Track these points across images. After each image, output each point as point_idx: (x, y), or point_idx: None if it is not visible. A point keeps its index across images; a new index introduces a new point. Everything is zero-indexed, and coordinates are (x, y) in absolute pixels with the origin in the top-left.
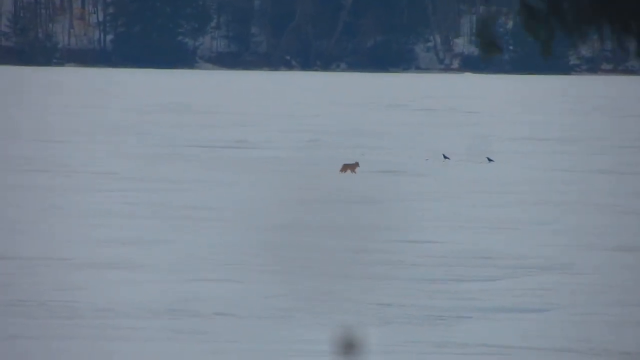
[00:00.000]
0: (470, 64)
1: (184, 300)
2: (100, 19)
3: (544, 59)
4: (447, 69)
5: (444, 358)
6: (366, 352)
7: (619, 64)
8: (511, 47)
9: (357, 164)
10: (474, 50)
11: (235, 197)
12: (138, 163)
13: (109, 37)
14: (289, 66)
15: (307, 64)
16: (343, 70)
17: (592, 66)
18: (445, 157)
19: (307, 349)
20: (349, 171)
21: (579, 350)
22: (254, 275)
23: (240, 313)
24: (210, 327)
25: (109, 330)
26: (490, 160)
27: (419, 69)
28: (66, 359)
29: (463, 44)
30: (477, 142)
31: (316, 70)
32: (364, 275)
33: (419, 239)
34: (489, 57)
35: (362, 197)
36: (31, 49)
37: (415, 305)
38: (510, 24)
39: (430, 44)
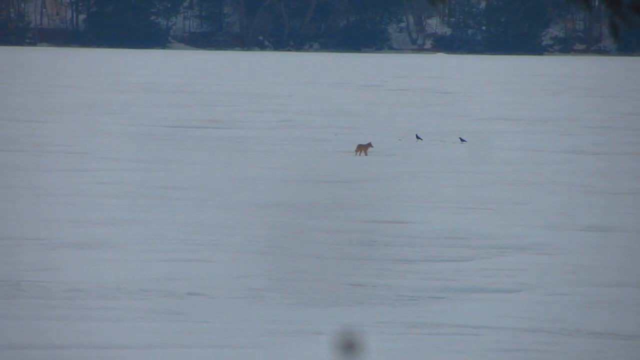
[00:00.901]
0: (443, 44)
1: (156, 280)
2: None
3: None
4: (420, 49)
5: (417, 338)
6: (366, 353)
7: (592, 44)
8: (484, 28)
9: (370, 145)
10: (446, 30)
11: (208, 176)
12: (111, 143)
13: (82, 16)
14: (262, 46)
15: (280, 44)
16: (316, 50)
17: (564, 46)
18: (418, 137)
19: (280, 329)
20: (362, 152)
21: (550, 331)
22: (227, 255)
23: (213, 293)
24: (183, 307)
25: (82, 310)
26: (462, 140)
27: (392, 49)
28: (39, 338)
29: (436, 25)
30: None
31: (289, 50)
32: (337, 255)
33: (392, 219)
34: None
35: (335, 177)
36: (3, 28)
37: (387, 286)
38: (483, 4)
39: (403, 24)
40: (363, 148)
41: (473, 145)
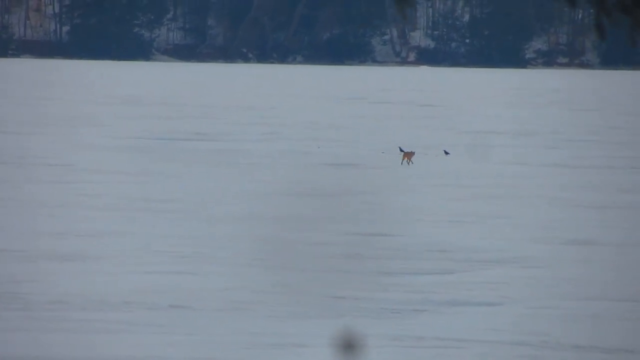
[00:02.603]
0: (426, 57)
1: (140, 292)
2: (57, 10)
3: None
4: (404, 62)
5: (399, 351)
6: (365, 353)
7: (575, 58)
8: (467, 41)
9: (412, 153)
10: (430, 43)
11: (192, 189)
12: (94, 155)
13: (65, 28)
14: (245, 59)
15: (263, 57)
16: (300, 63)
17: (547, 60)
18: (401, 150)
19: (263, 342)
20: (408, 161)
21: (532, 344)
22: (210, 267)
23: (196, 305)
24: (166, 320)
25: (65, 322)
26: (446, 153)
27: (375, 61)
28: (21, 350)
29: (419, 37)
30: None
31: (273, 62)
32: (320, 268)
33: (374, 232)
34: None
35: (319, 190)
36: None
37: (370, 299)
38: (467, 17)
39: (386, 37)
40: (408, 156)
41: (457, 159)
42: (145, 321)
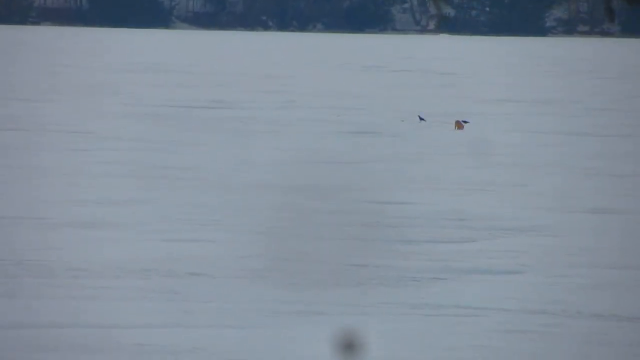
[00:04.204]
0: (446, 26)
1: (157, 260)
2: None
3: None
4: (424, 30)
5: (418, 319)
6: (365, 353)
7: (595, 26)
8: (487, 9)
9: (463, 124)
10: (450, 11)
11: (211, 157)
12: (114, 122)
13: None
14: (265, 26)
15: (283, 25)
16: (319, 30)
17: (568, 28)
18: (421, 118)
19: (281, 309)
20: (458, 128)
21: (552, 312)
22: (229, 235)
23: (214, 273)
24: (184, 287)
25: (83, 290)
26: (465, 122)
27: (395, 30)
28: (40, 317)
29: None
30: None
31: (292, 30)
32: (339, 236)
33: (394, 200)
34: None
35: (337, 158)
36: (6, 7)
37: (389, 267)
38: None
39: (406, 5)
40: (459, 125)
41: (476, 127)
42: (164, 288)
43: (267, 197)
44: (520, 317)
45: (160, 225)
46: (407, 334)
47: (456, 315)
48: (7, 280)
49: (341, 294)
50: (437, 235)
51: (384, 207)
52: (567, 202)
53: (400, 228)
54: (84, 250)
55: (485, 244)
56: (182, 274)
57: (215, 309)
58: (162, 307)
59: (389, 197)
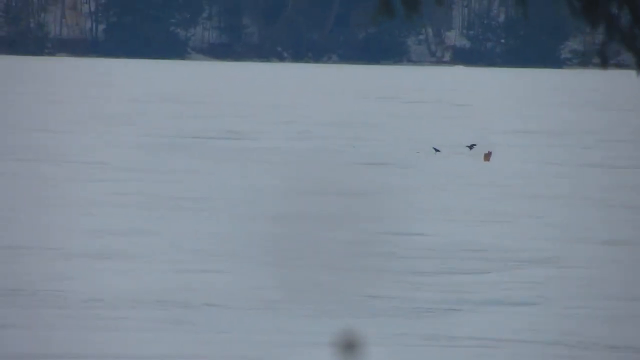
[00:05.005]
0: (461, 57)
1: (173, 290)
2: (92, 8)
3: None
4: (439, 61)
5: (432, 350)
6: (365, 353)
7: (611, 58)
8: (503, 41)
9: (490, 153)
10: (465, 43)
11: (225, 187)
12: (129, 153)
13: (101, 27)
14: (280, 57)
15: (298, 56)
16: (334, 62)
17: (583, 60)
18: (435, 149)
19: (296, 340)
20: (486, 159)
21: (568, 344)
22: (244, 266)
23: (230, 304)
24: (199, 318)
25: (98, 320)
26: (473, 145)
27: (410, 61)
28: (55, 348)
29: (455, 37)
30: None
31: (307, 61)
32: (353, 267)
33: (408, 231)
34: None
35: (353, 189)
36: (23, 38)
37: (404, 298)
38: (502, 17)
39: (422, 37)
40: (486, 157)
41: (492, 158)
42: (179, 319)
43: (281, 228)
44: (536, 348)
45: (175, 255)
46: None
47: (471, 347)
48: (22, 310)
49: (355, 325)
50: (452, 266)
51: (399, 238)
52: (582, 233)
53: (415, 259)
54: (98, 281)
55: (500, 275)
56: (197, 304)
57: (230, 339)
58: (177, 338)
59: (404, 228)
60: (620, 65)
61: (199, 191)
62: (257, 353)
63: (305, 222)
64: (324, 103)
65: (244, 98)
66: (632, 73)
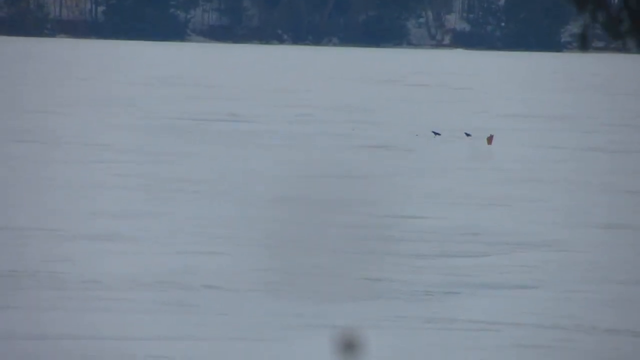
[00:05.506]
0: (462, 40)
1: (172, 272)
2: None
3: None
4: (439, 44)
5: (432, 333)
6: (366, 353)
7: (611, 42)
8: (503, 24)
9: (492, 137)
10: (465, 26)
11: (225, 170)
12: (129, 135)
13: (101, 8)
14: (280, 40)
15: (298, 38)
16: (335, 44)
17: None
18: (435, 133)
19: (295, 323)
20: (489, 142)
21: (566, 327)
22: (243, 248)
23: (229, 286)
24: (198, 300)
25: (97, 302)
26: (468, 134)
27: (410, 44)
28: (55, 329)
29: (455, 20)
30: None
31: (308, 44)
32: (353, 250)
33: (408, 214)
34: None
35: (353, 172)
36: (22, 19)
37: (403, 281)
38: (502, 0)
39: (422, 20)
40: (490, 140)
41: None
42: (178, 301)
43: (281, 210)
44: (534, 331)
45: (175, 237)
46: (421, 348)
47: (470, 330)
48: (22, 291)
49: (355, 308)
50: (451, 249)
51: (398, 221)
52: (581, 217)
53: (414, 242)
54: (98, 263)
55: (500, 259)
56: (197, 286)
57: (229, 321)
58: (176, 319)
59: (403, 212)
60: (620, 49)
61: (200, 174)
62: (257, 335)
63: (304, 205)
64: (324, 86)
65: (245, 81)
66: (633, 57)
